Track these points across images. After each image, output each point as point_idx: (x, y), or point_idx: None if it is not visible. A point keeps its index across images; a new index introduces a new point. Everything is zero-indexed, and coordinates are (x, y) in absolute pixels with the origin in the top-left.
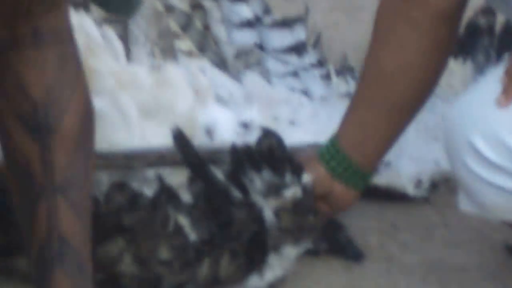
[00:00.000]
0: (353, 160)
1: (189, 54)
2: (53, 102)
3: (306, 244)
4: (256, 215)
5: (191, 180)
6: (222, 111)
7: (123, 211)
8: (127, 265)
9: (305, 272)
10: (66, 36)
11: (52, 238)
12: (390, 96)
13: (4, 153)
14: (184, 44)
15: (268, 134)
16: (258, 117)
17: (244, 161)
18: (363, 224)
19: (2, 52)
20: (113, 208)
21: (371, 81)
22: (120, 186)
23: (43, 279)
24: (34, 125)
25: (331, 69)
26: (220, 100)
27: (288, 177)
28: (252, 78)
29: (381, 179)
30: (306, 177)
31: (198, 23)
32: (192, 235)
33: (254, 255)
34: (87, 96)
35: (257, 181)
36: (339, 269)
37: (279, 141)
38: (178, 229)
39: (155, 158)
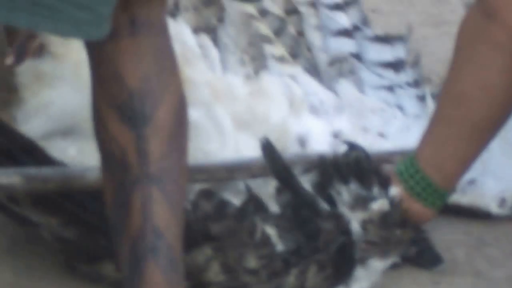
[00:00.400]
0: (432, 179)
1: (281, 60)
2: (149, 92)
3: (393, 258)
4: (343, 227)
5: (279, 191)
6: (315, 121)
7: (210, 219)
8: (214, 274)
9: (392, 285)
10: (161, 30)
11: (146, 230)
12: (471, 116)
13: (100, 145)
14: (276, 49)
15: (354, 147)
16: (348, 127)
17: (332, 173)
18: (450, 237)
19: (100, 43)
20: (200, 216)
21: (451, 100)
22: (207, 194)
23: (136, 273)
24: (130, 115)
25: (427, 91)
26: (312, 108)
27: (376, 190)
28: (345, 87)
29: (465, 197)
30: (394, 190)
31: (291, 29)
32: (279, 246)
33: (341, 267)
34: (181, 90)
35: (345, 193)
36: (427, 283)
37: (365, 153)
38: (265, 239)
39: (257, 170)
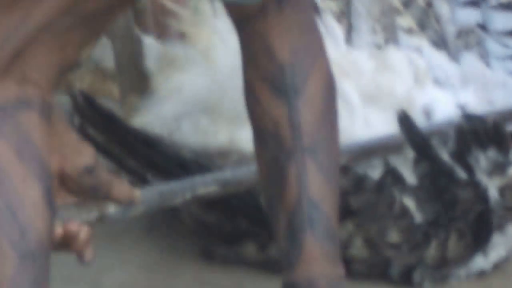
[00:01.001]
0: None
1: (409, 31)
2: (298, 65)
3: None
4: (481, 195)
5: (416, 162)
6: (440, 93)
7: (349, 194)
8: (358, 249)
9: None
10: (307, 6)
11: (302, 203)
12: None
13: (252, 120)
14: (405, 21)
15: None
16: (474, 99)
17: (471, 140)
18: None
19: (249, 19)
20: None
21: None
22: (344, 170)
23: (293, 245)
24: (281, 87)
25: None
26: (436, 81)
27: None
28: (471, 59)
29: None
30: None
31: (420, 1)
32: (418, 217)
33: (480, 234)
34: (328, 65)
35: (482, 160)
36: None
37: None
38: (404, 211)
39: (393, 148)
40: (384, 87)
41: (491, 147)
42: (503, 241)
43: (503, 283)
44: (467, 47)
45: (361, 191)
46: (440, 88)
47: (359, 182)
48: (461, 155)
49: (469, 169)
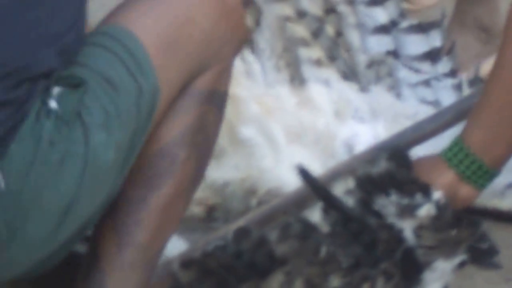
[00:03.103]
0: (482, 162)
1: (318, 63)
2: None
3: (459, 257)
4: (397, 237)
5: (325, 211)
6: (360, 126)
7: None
8: None
9: (466, 285)
10: None
11: None
12: None
13: None
14: (313, 52)
15: (392, 155)
16: (384, 132)
17: (371, 189)
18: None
19: None
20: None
21: (500, 85)
22: (246, 232)
23: None
24: None
25: (464, 80)
26: (343, 115)
27: (418, 197)
28: (380, 91)
29: (504, 201)
30: (437, 194)
31: (330, 29)
32: (344, 261)
33: (408, 273)
34: None
35: (389, 206)
36: (500, 282)
37: (403, 160)
38: (331, 256)
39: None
40: (306, 123)
41: (393, 193)
42: (435, 277)
43: None
44: (378, 77)
45: (287, 239)
46: (358, 121)
47: (285, 229)
48: (366, 202)
49: (378, 215)
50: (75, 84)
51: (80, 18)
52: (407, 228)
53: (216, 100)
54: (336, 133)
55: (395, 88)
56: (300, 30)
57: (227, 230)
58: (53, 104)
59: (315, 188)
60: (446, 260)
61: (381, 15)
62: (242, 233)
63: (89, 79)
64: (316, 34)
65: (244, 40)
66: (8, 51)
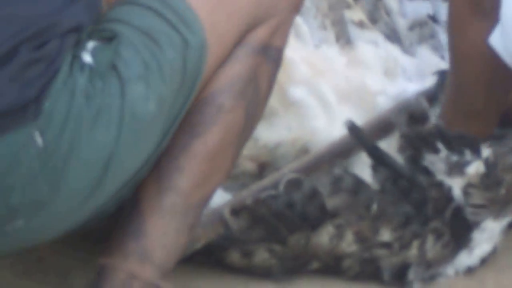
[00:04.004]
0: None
1: (361, 25)
2: None
3: (509, 218)
4: (446, 194)
5: (375, 168)
6: (410, 85)
7: (326, 196)
8: (348, 244)
9: None
10: None
11: None
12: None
13: None
14: (355, 14)
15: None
16: None
17: (420, 146)
18: None
19: None
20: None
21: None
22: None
23: None
24: None
25: None
26: (392, 74)
27: (467, 154)
28: (426, 53)
29: None
30: (486, 152)
31: None
32: (395, 219)
33: (458, 233)
34: None
35: (438, 163)
36: None
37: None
38: (382, 212)
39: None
40: (356, 83)
41: (442, 149)
42: (485, 236)
43: (495, 276)
44: (421, 39)
45: (338, 192)
46: (408, 80)
47: (336, 183)
48: (415, 160)
49: (427, 172)
50: (110, 38)
51: None
52: (456, 186)
53: (270, 54)
54: (386, 92)
55: (438, 50)
56: None
57: (275, 178)
58: (87, 58)
59: (365, 145)
60: (495, 220)
61: None
62: (294, 183)
63: (125, 32)
64: None
65: None
66: (35, 10)
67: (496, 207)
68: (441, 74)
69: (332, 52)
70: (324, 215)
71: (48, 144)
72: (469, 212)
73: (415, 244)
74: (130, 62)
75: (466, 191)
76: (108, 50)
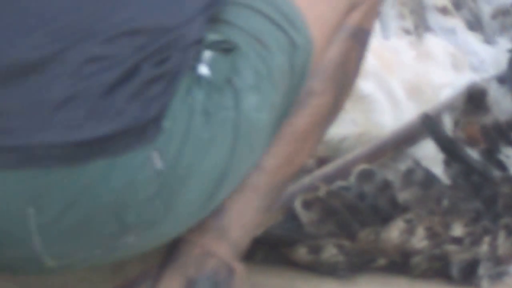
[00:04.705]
0: None
1: (443, 11)
2: None
3: None
4: None
5: (447, 162)
6: (477, 77)
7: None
8: (418, 239)
9: None
10: None
11: None
12: None
13: None
14: (440, 0)
15: None
16: None
17: (497, 138)
18: None
19: None
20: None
21: None
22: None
23: None
24: None
25: None
26: (471, 66)
27: None
28: (507, 43)
29: None
30: None
31: None
32: (466, 214)
33: None
34: None
35: None
36: None
37: None
38: (454, 207)
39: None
40: (424, 77)
41: None
42: None
43: None
44: (503, 28)
45: (410, 186)
46: (476, 73)
47: (408, 175)
48: (491, 153)
49: (501, 166)
50: (227, 48)
51: None
52: None
53: (361, 38)
54: (453, 85)
55: None
56: None
57: (339, 165)
58: (203, 69)
59: (441, 139)
60: None
61: None
62: (366, 174)
63: (240, 41)
64: None
65: None
66: (162, 23)
67: None
68: None
69: (401, 45)
70: (395, 209)
71: (167, 166)
72: None
73: (486, 240)
74: (243, 73)
75: None
76: (225, 63)
